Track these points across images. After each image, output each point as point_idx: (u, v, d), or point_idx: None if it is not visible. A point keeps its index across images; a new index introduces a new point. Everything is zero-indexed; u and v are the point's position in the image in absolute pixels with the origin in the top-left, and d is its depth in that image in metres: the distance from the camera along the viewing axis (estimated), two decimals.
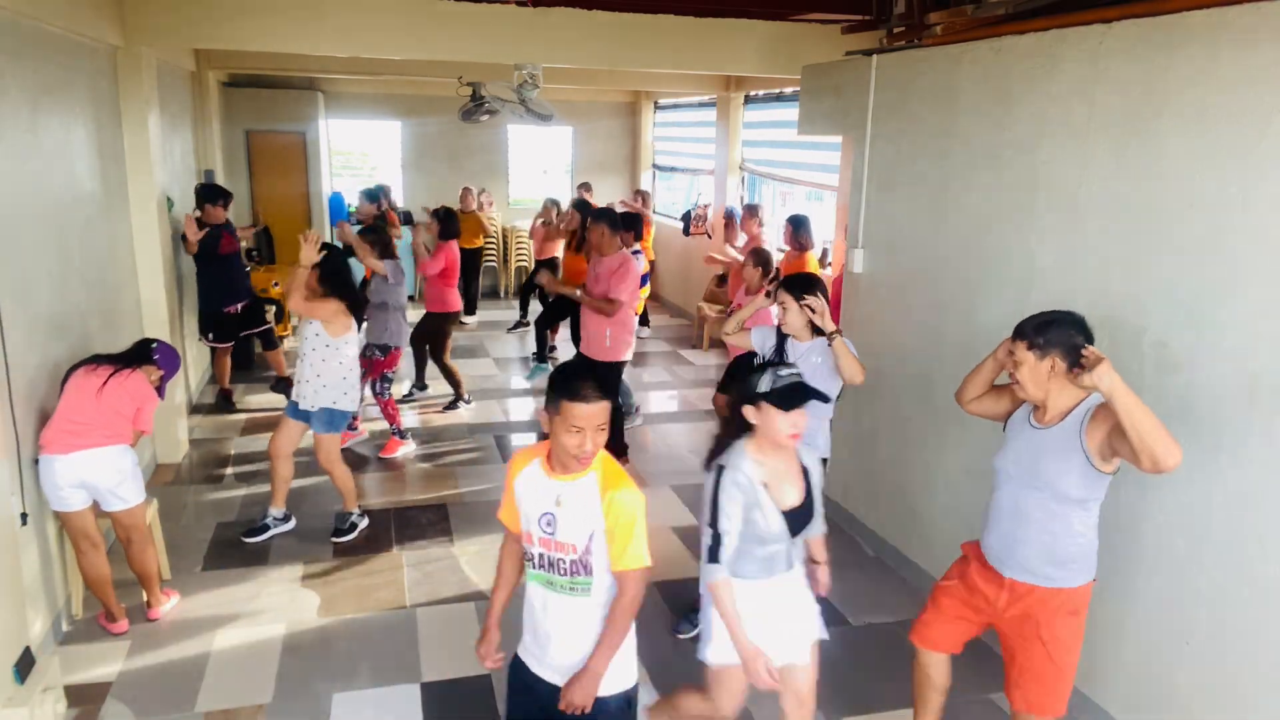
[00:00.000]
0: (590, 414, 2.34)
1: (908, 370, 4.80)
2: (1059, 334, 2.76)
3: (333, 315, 4.91)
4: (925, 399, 4.66)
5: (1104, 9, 3.50)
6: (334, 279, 4.95)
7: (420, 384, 7.90)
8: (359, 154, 13.52)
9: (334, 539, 5.15)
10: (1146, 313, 3.32)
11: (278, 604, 4.47)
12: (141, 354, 4.25)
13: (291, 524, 5.26)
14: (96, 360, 4.08)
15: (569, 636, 2.51)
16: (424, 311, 7.46)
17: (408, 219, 11.85)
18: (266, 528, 5.16)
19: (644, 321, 10.44)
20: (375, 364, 6.39)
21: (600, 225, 5.79)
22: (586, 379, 2.39)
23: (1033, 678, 2.93)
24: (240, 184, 10.82)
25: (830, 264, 7.99)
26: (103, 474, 3.90)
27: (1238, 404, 3.01)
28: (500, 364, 9.17)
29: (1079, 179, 3.60)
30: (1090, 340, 2.77)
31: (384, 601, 4.54)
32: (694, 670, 4.01)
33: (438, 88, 10.79)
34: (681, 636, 4.24)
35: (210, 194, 7.13)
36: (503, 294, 12.77)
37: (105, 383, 3.95)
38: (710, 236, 10.44)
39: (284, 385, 7.38)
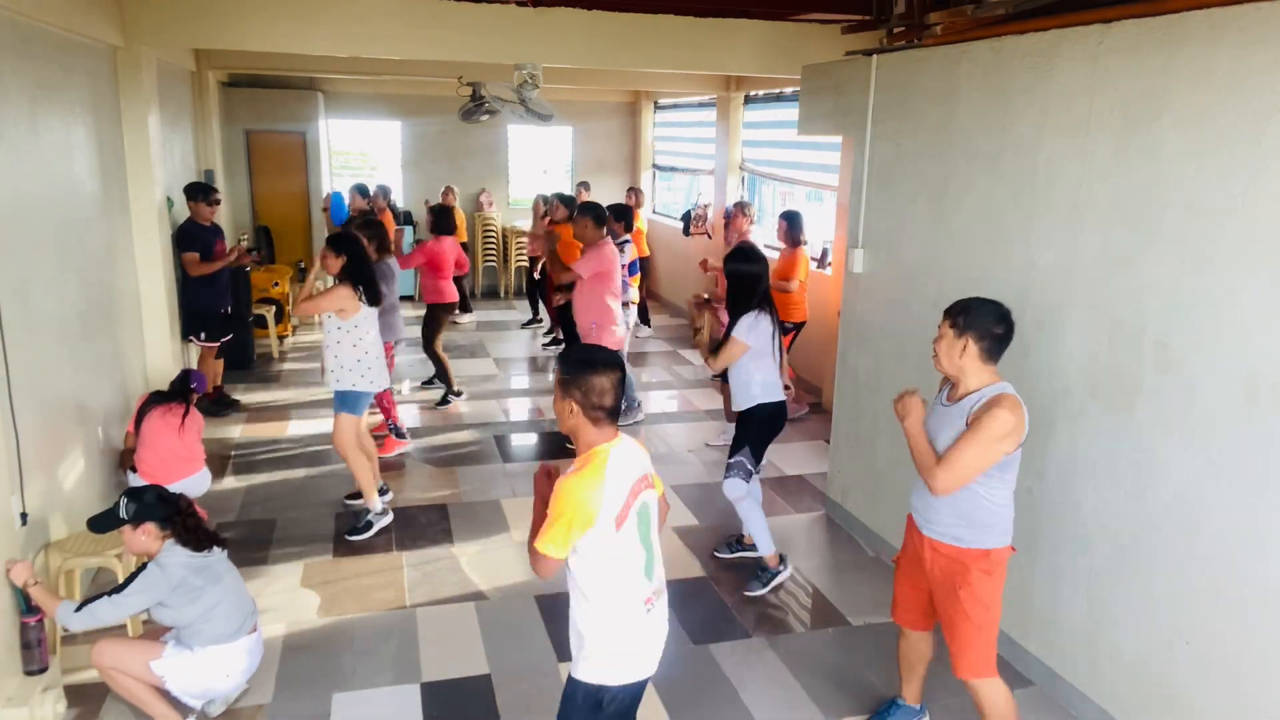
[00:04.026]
0: None
1: (907, 370, 4.80)
2: (978, 319, 3.00)
3: (342, 301, 4.97)
4: (925, 398, 4.65)
5: (1104, 9, 3.50)
6: (351, 263, 5.04)
7: (447, 383, 7.82)
8: (359, 154, 13.51)
9: (348, 537, 5.16)
10: (1146, 313, 3.32)
11: (278, 604, 4.46)
12: (185, 387, 4.93)
13: (390, 517, 5.37)
14: (161, 399, 4.79)
15: (570, 616, 2.58)
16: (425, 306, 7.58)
17: (407, 219, 11.89)
18: (370, 525, 5.25)
19: (645, 320, 10.47)
20: None
21: (584, 219, 6.27)
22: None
23: (961, 642, 3.12)
24: (240, 184, 10.83)
25: (830, 264, 7.99)
26: (196, 491, 4.77)
27: (1238, 404, 3.01)
28: (501, 364, 9.17)
29: (1079, 179, 3.60)
30: (1010, 334, 3.01)
31: (384, 601, 4.54)
32: (707, 668, 4.02)
33: (438, 88, 10.79)
34: (720, 556, 5.05)
35: (196, 191, 6.84)
36: (503, 294, 12.77)
37: (183, 422, 4.73)
38: (710, 237, 10.44)
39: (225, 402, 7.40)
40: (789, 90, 9.10)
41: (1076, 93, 3.58)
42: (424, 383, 8.00)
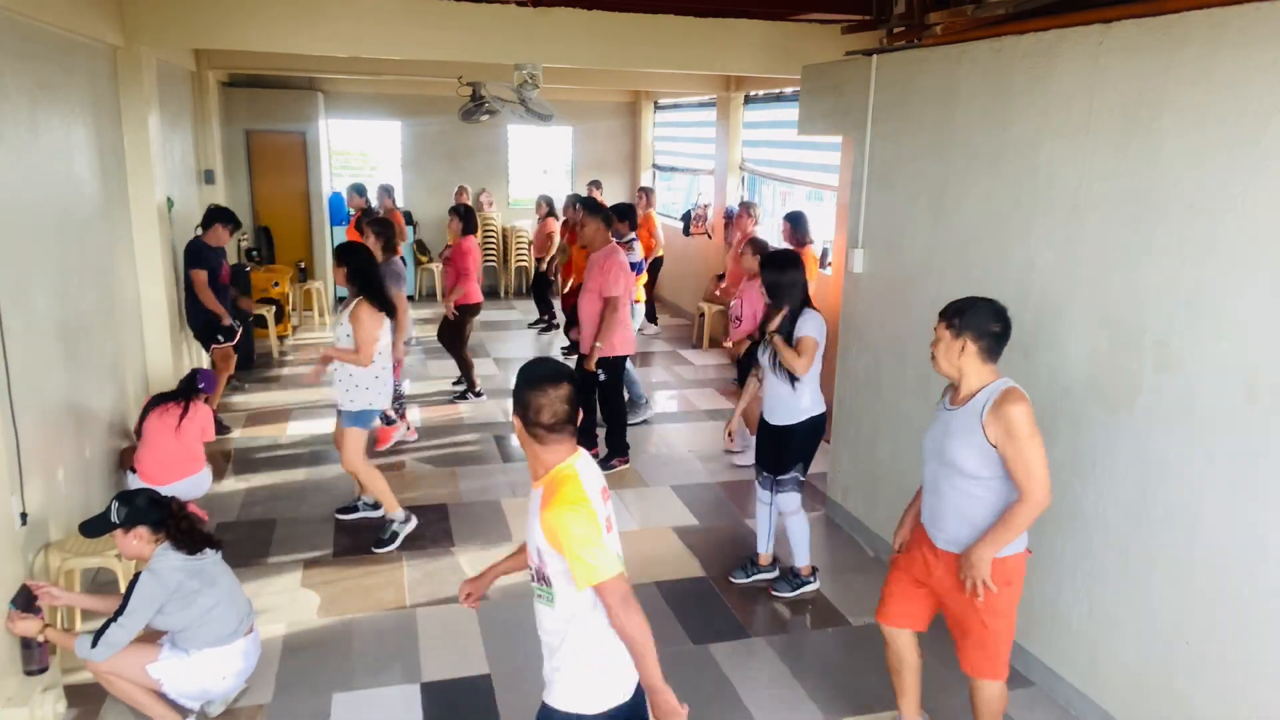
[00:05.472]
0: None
1: (907, 370, 4.80)
2: (974, 319, 2.97)
3: (376, 325, 4.83)
4: (925, 398, 4.66)
5: (1104, 9, 3.50)
6: (360, 275, 4.89)
7: (470, 383, 7.82)
8: (359, 154, 13.51)
9: (375, 549, 5.03)
10: (1146, 313, 3.32)
11: (278, 604, 4.47)
12: (192, 386, 4.94)
13: (413, 523, 5.22)
14: (163, 399, 4.82)
15: (545, 646, 2.43)
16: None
17: (407, 219, 11.90)
18: (395, 535, 5.12)
19: (651, 318, 10.52)
20: None
21: (595, 220, 6.03)
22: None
23: (974, 644, 3.11)
24: (240, 184, 10.82)
25: (830, 263, 7.99)
26: (196, 491, 4.81)
27: (1238, 404, 3.01)
28: (501, 364, 9.17)
29: (1079, 179, 3.60)
30: (1007, 331, 2.98)
31: (384, 601, 4.54)
32: (707, 668, 4.02)
33: (438, 88, 10.79)
34: (736, 581, 4.79)
35: (225, 216, 6.83)
36: (503, 294, 12.76)
37: (180, 422, 4.72)
38: (710, 236, 10.45)
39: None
40: (789, 90, 9.10)
41: (1076, 93, 3.58)
42: (457, 396, 7.93)
